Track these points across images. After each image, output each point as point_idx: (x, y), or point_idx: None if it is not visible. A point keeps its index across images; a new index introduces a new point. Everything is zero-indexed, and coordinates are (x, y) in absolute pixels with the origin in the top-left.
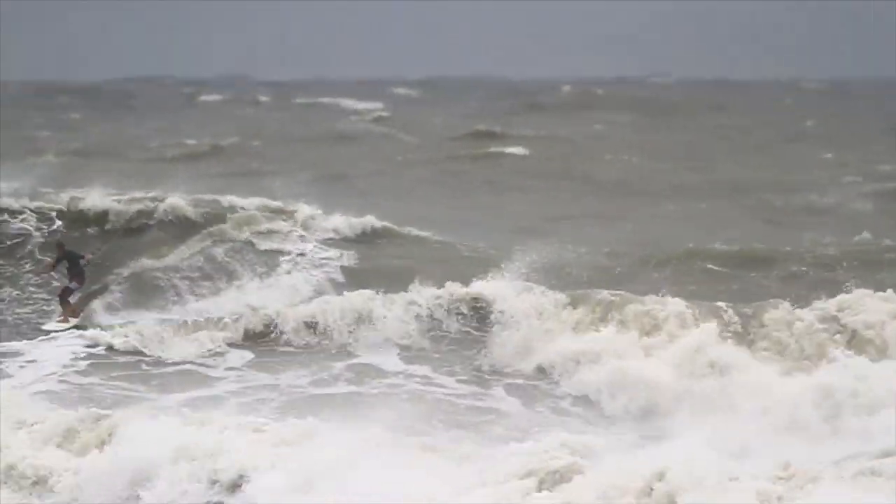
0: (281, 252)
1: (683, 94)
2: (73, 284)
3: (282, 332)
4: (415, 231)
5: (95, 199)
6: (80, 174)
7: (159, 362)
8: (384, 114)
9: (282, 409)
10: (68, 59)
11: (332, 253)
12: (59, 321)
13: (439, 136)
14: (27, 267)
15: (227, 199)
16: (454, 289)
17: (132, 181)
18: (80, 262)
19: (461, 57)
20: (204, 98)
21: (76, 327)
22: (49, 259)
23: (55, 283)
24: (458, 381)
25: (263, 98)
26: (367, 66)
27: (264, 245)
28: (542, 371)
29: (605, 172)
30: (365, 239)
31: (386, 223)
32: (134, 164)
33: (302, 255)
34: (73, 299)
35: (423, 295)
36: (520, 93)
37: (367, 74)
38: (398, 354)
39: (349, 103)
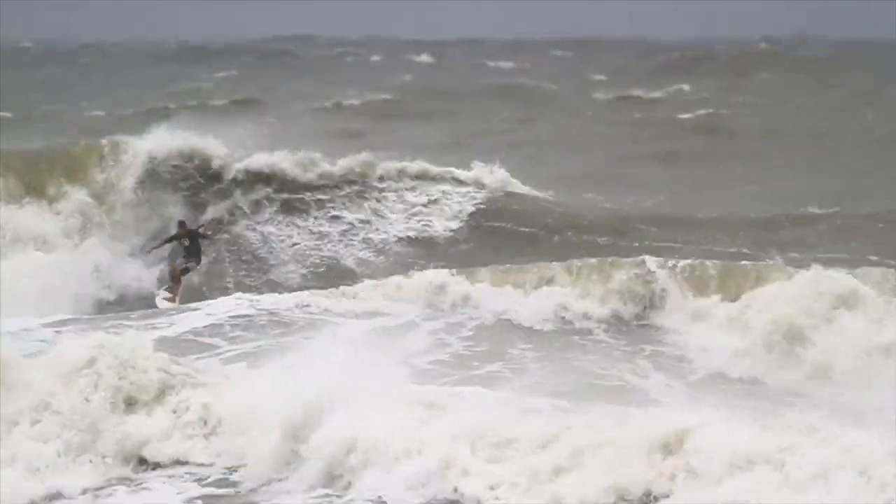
0: (431, 197)
1: (838, 52)
2: (191, 264)
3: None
4: (585, 195)
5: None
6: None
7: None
8: (549, 74)
9: (474, 337)
10: (211, 20)
11: (492, 213)
12: (165, 299)
13: (607, 99)
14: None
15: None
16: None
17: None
18: (199, 241)
19: (608, 18)
20: (360, 56)
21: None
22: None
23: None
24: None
25: (423, 57)
26: (512, 26)
27: (412, 185)
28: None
29: (777, 129)
30: (520, 196)
31: (527, 187)
32: (302, 121)
33: (453, 207)
34: (185, 278)
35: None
36: (674, 52)
37: (513, 34)
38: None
39: (508, 64)
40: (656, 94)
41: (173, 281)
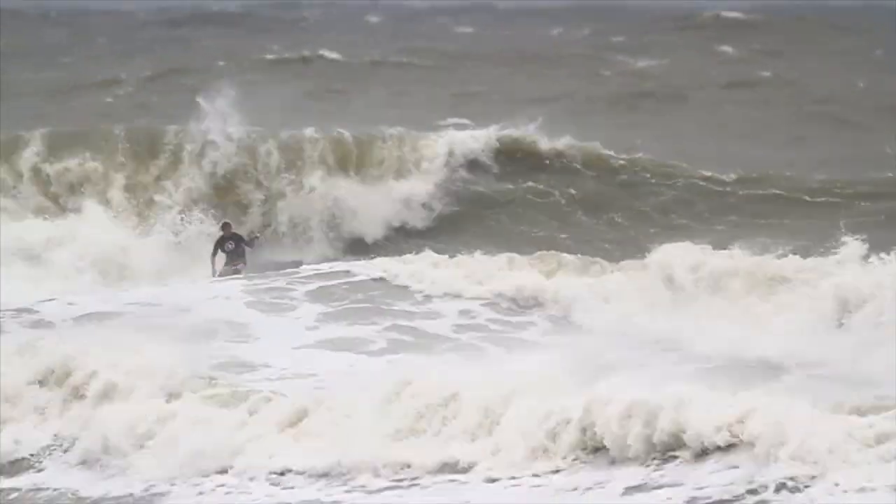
0: None
1: (859, 19)
2: (240, 265)
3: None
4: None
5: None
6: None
7: None
8: (573, 41)
9: None
10: None
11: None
12: None
13: (640, 64)
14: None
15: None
16: None
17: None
18: (243, 244)
19: None
20: (384, 20)
21: None
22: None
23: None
24: None
25: (462, 27)
26: None
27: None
28: None
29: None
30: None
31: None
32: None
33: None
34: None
35: None
36: (695, 17)
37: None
38: None
39: (538, 31)
40: (693, 54)
41: None
